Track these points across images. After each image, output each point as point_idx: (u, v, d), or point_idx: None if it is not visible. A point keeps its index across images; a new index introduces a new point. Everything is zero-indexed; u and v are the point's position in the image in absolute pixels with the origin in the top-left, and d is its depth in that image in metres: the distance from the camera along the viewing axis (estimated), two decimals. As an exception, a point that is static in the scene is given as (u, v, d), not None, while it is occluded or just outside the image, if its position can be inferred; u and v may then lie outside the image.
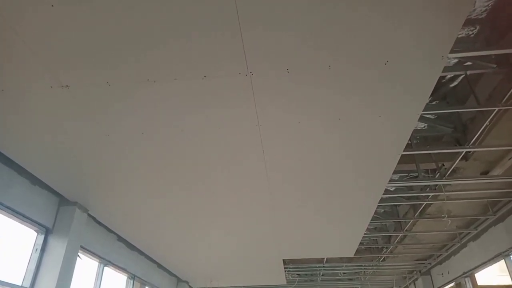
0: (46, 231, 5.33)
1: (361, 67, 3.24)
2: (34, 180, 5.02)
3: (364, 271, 12.05)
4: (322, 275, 12.06)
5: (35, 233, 5.28)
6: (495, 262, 8.23)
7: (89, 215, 6.01)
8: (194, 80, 3.36)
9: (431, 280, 11.45)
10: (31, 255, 5.15)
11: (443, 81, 5.01)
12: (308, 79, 3.36)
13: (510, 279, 7.58)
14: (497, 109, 4.30)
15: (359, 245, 8.54)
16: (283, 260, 9.48)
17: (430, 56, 3.14)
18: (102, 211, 6.11)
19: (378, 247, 10.13)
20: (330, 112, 3.83)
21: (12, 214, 4.76)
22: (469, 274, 9.29)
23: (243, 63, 3.18)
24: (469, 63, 4.38)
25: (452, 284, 10.54)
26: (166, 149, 4.36)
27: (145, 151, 4.40)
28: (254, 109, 3.75)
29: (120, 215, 6.31)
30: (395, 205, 8.34)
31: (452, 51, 3.19)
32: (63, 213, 5.49)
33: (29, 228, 5.16)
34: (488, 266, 8.65)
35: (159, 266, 9.58)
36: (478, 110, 4.91)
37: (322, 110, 3.79)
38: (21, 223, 5.00)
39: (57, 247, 5.27)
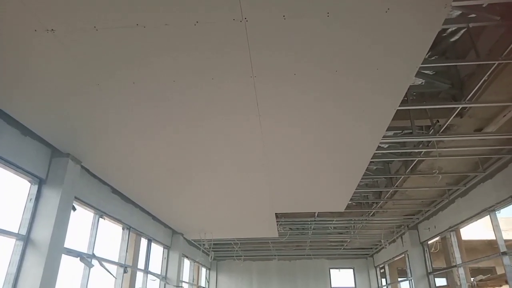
0: (40, 182, 5.34)
1: (361, 14, 3.11)
2: (25, 131, 4.94)
3: (354, 225, 12.44)
4: (313, 228, 12.45)
5: (29, 184, 5.30)
6: (481, 218, 8.50)
7: (82, 167, 6.01)
8: (186, 26, 3.21)
9: (418, 234, 11.88)
10: (25, 205, 5.20)
11: (444, 35, 4.87)
12: (305, 27, 3.23)
13: (493, 234, 7.86)
14: (497, 62, 4.21)
15: (349, 201, 8.74)
16: (276, 213, 9.72)
17: (433, 4, 3.01)
18: (95, 162, 6.11)
19: (368, 202, 10.38)
20: (326, 63, 3.72)
21: (4, 164, 4.74)
22: (455, 228, 9.63)
23: (237, 8, 3.03)
24: (472, 15, 4.23)
25: (437, 238, 10.97)
26: (157, 100, 4.27)
27: (136, 101, 4.30)
28: (249, 60, 3.63)
29: (113, 167, 6.32)
30: (388, 162, 8.44)
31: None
32: (55, 164, 5.47)
33: (22, 179, 5.17)
34: (473, 221, 8.95)
35: (154, 218, 9.79)
36: (477, 66, 4.83)
37: (319, 60, 3.68)
38: (14, 173, 4.99)
39: (51, 198, 5.31)
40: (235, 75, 3.86)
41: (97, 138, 5.26)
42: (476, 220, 8.87)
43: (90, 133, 5.11)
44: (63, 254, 5.54)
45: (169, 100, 4.29)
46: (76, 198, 5.98)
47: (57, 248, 5.25)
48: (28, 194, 5.28)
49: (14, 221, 5.06)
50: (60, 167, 5.47)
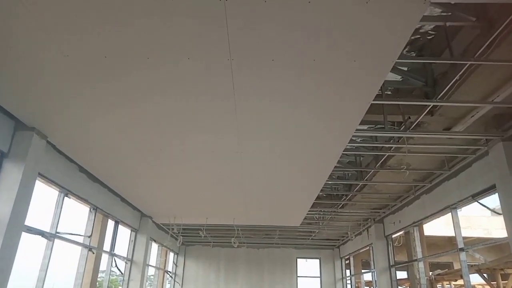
0: (1, 155, 5.09)
1: (342, 3, 3.09)
2: (-15, 100, 4.68)
3: (323, 217, 12.64)
4: (282, 218, 12.54)
5: (-11, 157, 5.05)
6: (443, 215, 8.83)
7: (48, 142, 5.77)
8: (163, 0, 3.09)
9: (383, 228, 12.23)
10: (-16, 178, 4.96)
11: (421, 31, 4.94)
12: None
13: (453, 231, 8.19)
14: (468, 63, 4.32)
15: (320, 192, 8.84)
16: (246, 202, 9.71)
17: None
18: (62, 138, 5.87)
19: (338, 194, 10.55)
20: (303, 53, 3.71)
21: (-39, 134, 4.49)
22: (418, 223, 9.97)
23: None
24: (449, 13, 4.30)
25: (401, 233, 11.33)
26: (130, 75, 4.11)
27: (107, 76, 4.13)
28: (227, 41, 3.55)
29: (80, 144, 6.09)
30: (359, 156, 8.59)
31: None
32: (19, 138, 5.22)
33: (-19, 151, 4.92)
34: (436, 218, 9.29)
35: (123, 200, 9.59)
36: (450, 65, 4.94)
37: (297, 51, 3.66)
38: (-27, 145, 4.75)
39: (13, 172, 5.08)
40: (212, 55, 3.77)
41: (64, 114, 5.04)
42: (438, 217, 9.21)
43: (56, 107, 4.88)
44: (23, 232, 5.34)
45: (140, 76, 4.14)
46: (40, 175, 5.75)
47: (17, 225, 5.05)
48: (-13, 167, 5.04)
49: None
50: (24, 141, 5.23)
